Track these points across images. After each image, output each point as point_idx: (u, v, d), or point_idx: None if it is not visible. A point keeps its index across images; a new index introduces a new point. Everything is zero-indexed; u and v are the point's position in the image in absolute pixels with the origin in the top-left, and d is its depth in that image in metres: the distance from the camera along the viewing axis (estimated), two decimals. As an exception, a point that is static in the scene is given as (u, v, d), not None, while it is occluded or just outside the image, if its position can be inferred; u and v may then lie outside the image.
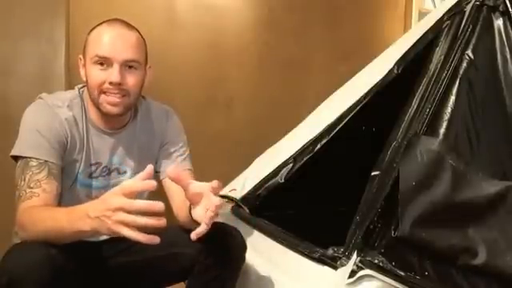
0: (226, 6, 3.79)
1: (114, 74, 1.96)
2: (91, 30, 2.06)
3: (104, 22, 2.06)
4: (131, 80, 2.01)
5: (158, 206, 1.49)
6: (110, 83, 1.97)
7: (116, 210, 1.52)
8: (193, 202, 1.84)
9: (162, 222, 1.51)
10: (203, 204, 1.80)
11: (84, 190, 2.07)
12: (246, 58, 3.89)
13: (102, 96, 1.99)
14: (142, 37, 2.09)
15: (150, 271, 2.10)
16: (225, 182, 2.84)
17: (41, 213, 1.78)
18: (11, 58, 2.95)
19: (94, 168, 2.09)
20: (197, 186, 1.81)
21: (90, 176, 2.09)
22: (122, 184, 1.59)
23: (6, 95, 2.91)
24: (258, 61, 3.94)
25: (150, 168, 1.60)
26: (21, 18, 2.94)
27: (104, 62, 1.97)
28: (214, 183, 1.78)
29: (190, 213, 1.89)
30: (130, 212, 1.51)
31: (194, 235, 1.75)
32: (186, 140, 2.31)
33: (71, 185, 2.06)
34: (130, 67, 2.01)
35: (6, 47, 2.93)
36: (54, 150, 1.96)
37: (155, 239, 1.51)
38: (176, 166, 2.21)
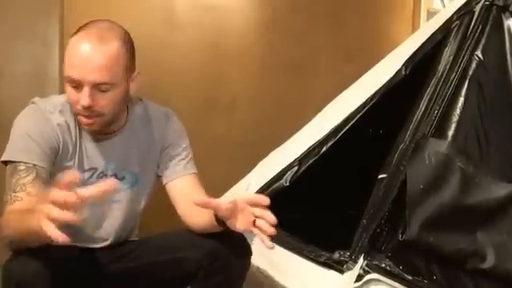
0: (228, 6, 3.78)
1: (83, 97, 1.87)
2: (72, 36, 1.95)
3: (82, 29, 1.94)
4: (103, 101, 1.91)
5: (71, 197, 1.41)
6: (82, 106, 1.89)
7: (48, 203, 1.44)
8: (228, 217, 1.82)
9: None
10: (243, 217, 1.80)
11: None
12: (248, 59, 3.88)
13: (79, 116, 1.95)
14: (120, 48, 1.93)
15: (153, 276, 2.08)
16: (227, 185, 2.82)
17: (10, 215, 1.77)
18: (3, 60, 2.91)
19: (88, 174, 2.05)
20: (229, 204, 1.79)
21: (85, 183, 2.00)
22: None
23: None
24: (261, 62, 3.92)
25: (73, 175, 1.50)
26: (14, 19, 2.90)
27: (75, 83, 1.88)
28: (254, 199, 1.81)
29: (218, 221, 1.90)
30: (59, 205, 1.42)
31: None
32: (188, 142, 2.25)
33: None
34: (102, 89, 1.90)
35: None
36: (44, 154, 1.92)
37: (62, 237, 1.41)
38: (192, 189, 2.17)
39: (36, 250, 1.69)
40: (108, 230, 2.11)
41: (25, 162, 1.88)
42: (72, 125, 2.01)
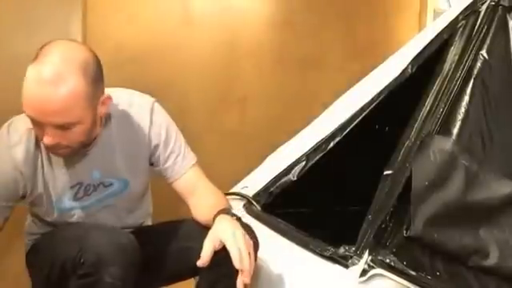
0: (243, 5, 3.80)
1: (45, 138, 1.80)
2: (31, 63, 1.80)
3: (38, 59, 1.78)
4: (68, 137, 1.83)
5: None
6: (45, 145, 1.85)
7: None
8: None
9: None
10: None
11: (69, 213, 2.05)
12: (261, 57, 3.90)
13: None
14: (79, 85, 1.76)
15: (161, 265, 2.09)
16: (238, 179, 2.84)
17: None
18: (25, 53, 2.91)
19: (75, 190, 2.02)
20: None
21: (76, 197, 2.03)
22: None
23: (20, 91, 2.88)
24: (274, 59, 3.95)
25: None
26: (35, 11, 2.89)
27: (34, 122, 1.81)
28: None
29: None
30: None
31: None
32: (175, 130, 2.15)
33: (51, 212, 2.04)
34: (64, 128, 1.79)
35: (20, 41, 2.89)
36: None
37: None
38: None
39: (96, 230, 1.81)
40: None
41: None
42: (40, 150, 1.96)
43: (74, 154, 1.94)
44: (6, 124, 1.95)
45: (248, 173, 2.88)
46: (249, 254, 1.85)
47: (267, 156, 2.95)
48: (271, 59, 3.95)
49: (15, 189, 1.94)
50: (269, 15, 3.94)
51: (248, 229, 2.03)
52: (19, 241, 2.21)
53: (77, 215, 2.06)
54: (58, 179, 1.99)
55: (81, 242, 1.78)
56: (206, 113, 3.46)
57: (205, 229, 2.00)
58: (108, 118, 2.02)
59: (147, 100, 2.13)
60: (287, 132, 2.96)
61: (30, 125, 1.86)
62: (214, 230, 1.91)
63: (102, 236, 1.79)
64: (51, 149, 1.87)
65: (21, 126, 1.92)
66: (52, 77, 1.72)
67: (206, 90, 3.67)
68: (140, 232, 2.18)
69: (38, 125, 1.79)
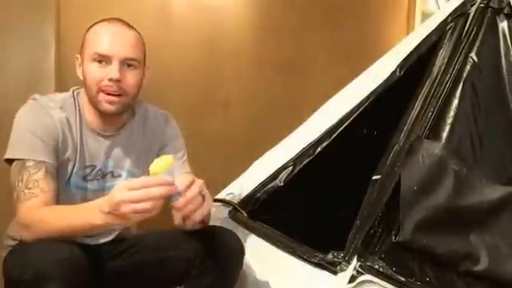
0: (224, 5, 3.78)
1: (113, 70, 1.95)
2: (89, 28, 2.05)
3: (103, 20, 2.05)
4: (130, 78, 2.00)
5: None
6: (110, 80, 1.95)
7: (119, 203, 1.57)
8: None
9: None
10: None
11: (79, 192, 2.06)
12: (243, 58, 3.88)
13: (100, 94, 1.98)
14: (141, 37, 2.08)
15: (148, 274, 2.08)
16: (222, 184, 2.82)
17: (47, 212, 1.82)
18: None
19: (88, 170, 2.07)
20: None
21: (85, 178, 2.07)
22: (132, 180, 1.63)
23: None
24: (256, 61, 3.92)
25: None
26: (8, 12, 2.87)
27: (103, 59, 1.96)
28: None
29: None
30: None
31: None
32: (183, 144, 2.29)
33: (64, 186, 2.03)
34: (130, 66, 2.00)
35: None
36: (49, 150, 1.94)
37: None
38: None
39: (56, 241, 1.75)
40: None
41: (33, 159, 1.91)
42: (73, 121, 2.04)
43: (121, 111, 2.05)
44: (36, 95, 2.04)
45: (233, 178, 2.86)
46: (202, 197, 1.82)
47: (252, 161, 2.93)
48: (254, 61, 3.93)
49: (55, 138, 1.98)
50: (251, 15, 3.91)
51: (232, 233, 2.05)
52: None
53: (78, 197, 2.06)
54: (81, 153, 2.05)
55: (21, 260, 1.76)
56: (187, 117, 3.42)
57: (187, 238, 2.00)
58: (132, 112, 2.18)
59: (166, 112, 2.31)
60: (272, 136, 2.94)
61: (60, 98, 2.06)
62: None
63: (40, 252, 1.74)
64: (112, 88, 1.97)
65: (54, 96, 2.10)
66: (122, 22, 2.05)
67: (187, 93, 3.64)
68: (127, 242, 2.19)
69: (107, 61, 1.97)
